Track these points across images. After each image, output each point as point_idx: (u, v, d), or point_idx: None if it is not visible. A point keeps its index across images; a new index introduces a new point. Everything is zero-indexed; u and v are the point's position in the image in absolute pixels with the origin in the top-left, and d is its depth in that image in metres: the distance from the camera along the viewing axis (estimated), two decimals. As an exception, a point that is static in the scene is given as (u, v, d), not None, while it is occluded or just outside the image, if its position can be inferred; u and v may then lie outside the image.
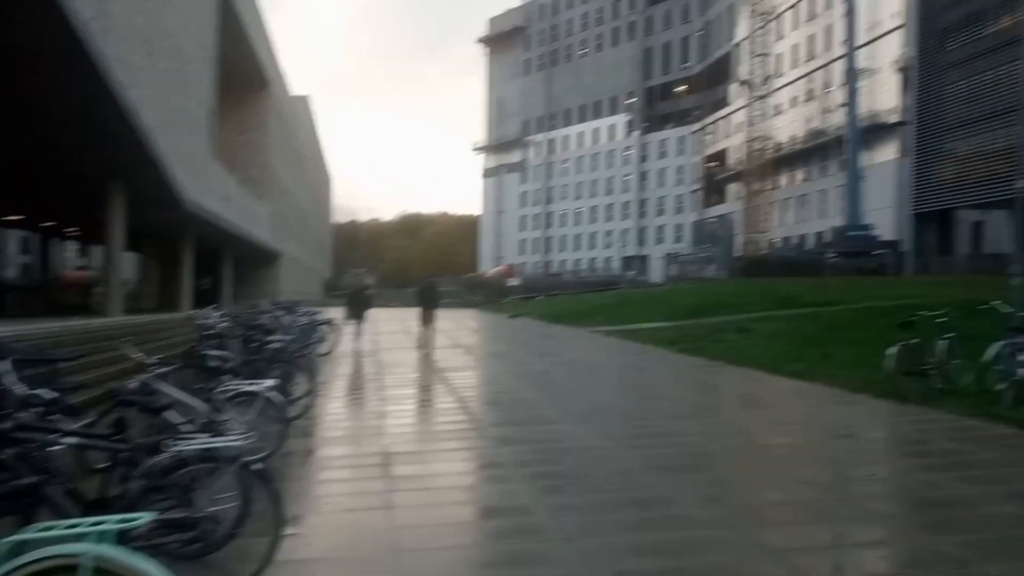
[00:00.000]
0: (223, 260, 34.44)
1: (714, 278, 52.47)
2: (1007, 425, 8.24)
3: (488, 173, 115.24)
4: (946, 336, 10.29)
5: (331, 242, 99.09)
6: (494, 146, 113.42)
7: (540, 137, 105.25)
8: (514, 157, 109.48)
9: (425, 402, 11.29)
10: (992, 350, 9.42)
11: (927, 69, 47.60)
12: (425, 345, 18.95)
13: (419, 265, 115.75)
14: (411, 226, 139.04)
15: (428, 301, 19.86)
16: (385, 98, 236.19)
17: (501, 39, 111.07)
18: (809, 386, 11.40)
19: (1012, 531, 4.92)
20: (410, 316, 23.15)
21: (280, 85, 42.91)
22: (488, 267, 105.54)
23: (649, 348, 17.60)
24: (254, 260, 41.56)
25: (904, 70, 51.64)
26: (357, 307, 20.46)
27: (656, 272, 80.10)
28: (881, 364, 10.12)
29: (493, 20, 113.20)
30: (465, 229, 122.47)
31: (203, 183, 23.09)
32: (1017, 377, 8.82)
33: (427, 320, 19.50)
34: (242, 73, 35.11)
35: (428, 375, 14.08)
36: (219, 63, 25.69)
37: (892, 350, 9.76)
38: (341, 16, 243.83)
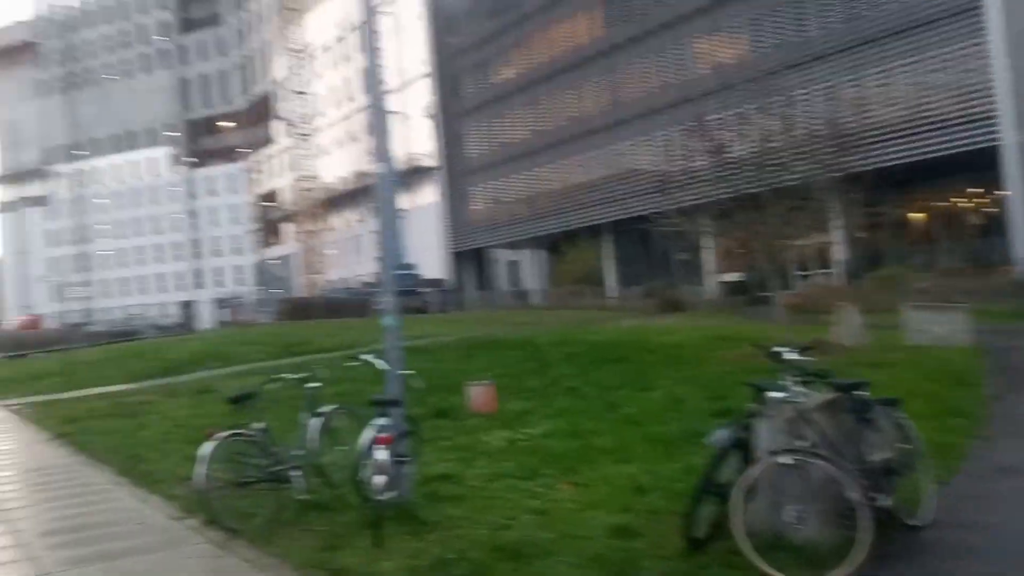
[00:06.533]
0: None
1: (263, 322, 49.30)
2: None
3: (6, 207, 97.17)
4: (321, 411, 6.81)
5: None
6: (10, 176, 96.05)
7: (67, 168, 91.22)
8: (36, 190, 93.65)
9: None
10: (366, 436, 5.96)
11: (447, 115, 49.72)
12: None
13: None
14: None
15: None
16: None
17: (8, 54, 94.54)
18: (135, 496, 7.42)
19: None
20: None
21: None
22: (13, 317, 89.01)
23: (32, 437, 12.71)
24: None
25: (432, 116, 53.68)
26: None
27: (207, 317, 73.71)
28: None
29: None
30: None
31: None
32: (374, 485, 5.47)
33: None
34: None
35: None
36: None
37: (207, 448, 5.92)
38: None
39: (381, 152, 7.43)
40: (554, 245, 43.16)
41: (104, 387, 19.22)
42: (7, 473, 9.30)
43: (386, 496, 5.42)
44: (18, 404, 17.23)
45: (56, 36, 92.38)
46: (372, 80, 7.82)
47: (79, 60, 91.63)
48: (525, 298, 45.13)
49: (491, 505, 6.09)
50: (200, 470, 5.78)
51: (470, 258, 50.48)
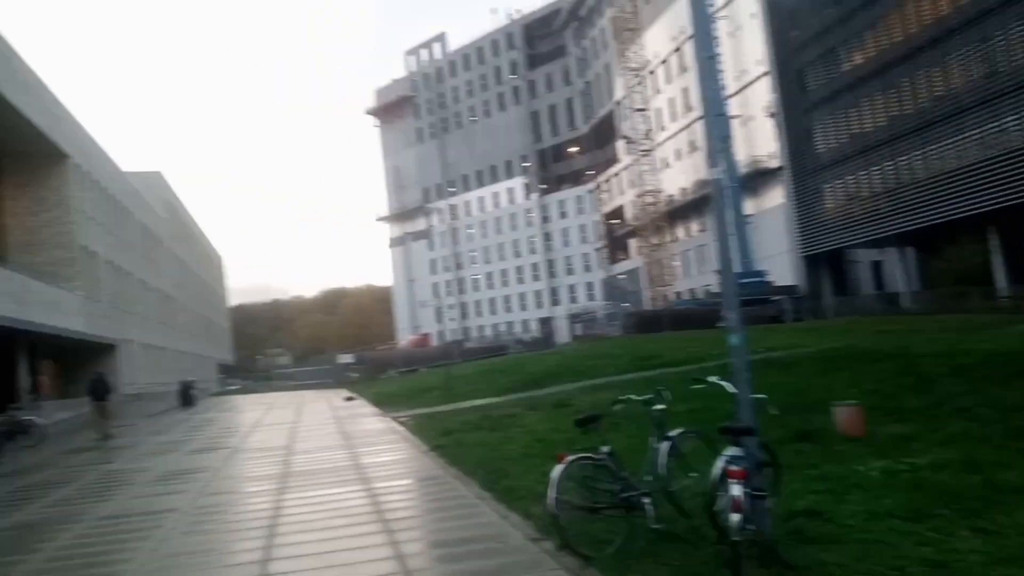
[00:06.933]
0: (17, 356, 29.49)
1: (613, 336, 50.82)
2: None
3: (394, 242, 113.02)
4: (669, 435, 6.53)
5: (229, 324, 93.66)
6: (397, 215, 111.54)
7: (441, 204, 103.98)
8: (418, 225, 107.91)
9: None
10: (718, 467, 5.38)
11: (792, 112, 46.93)
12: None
13: (336, 339, 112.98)
14: (332, 301, 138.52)
15: (98, 394, 21.83)
16: (275, 180, 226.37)
17: (390, 109, 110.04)
18: (497, 512, 7.71)
19: None
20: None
21: (88, 157, 37.80)
22: (405, 337, 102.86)
23: (413, 448, 14.01)
24: (74, 352, 35.94)
25: (775, 114, 51.01)
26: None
27: (563, 332, 77.95)
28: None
29: (380, 91, 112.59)
30: (385, 300, 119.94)
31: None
32: (730, 523, 4.87)
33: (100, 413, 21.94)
34: (20, 147, 30.96)
35: None
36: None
37: (557, 472, 5.79)
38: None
39: (715, 157, 6.93)
40: (926, 241, 38.37)
41: (475, 400, 21.01)
42: (391, 483, 10.33)
43: (743, 535, 4.90)
44: (405, 416, 19.47)
45: (427, 88, 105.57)
46: (709, 82, 7.39)
47: (447, 107, 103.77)
48: (894, 302, 40.70)
49: (871, 551, 5.25)
50: (551, 494, 5.75)
51: (825, 261, 46.86)
